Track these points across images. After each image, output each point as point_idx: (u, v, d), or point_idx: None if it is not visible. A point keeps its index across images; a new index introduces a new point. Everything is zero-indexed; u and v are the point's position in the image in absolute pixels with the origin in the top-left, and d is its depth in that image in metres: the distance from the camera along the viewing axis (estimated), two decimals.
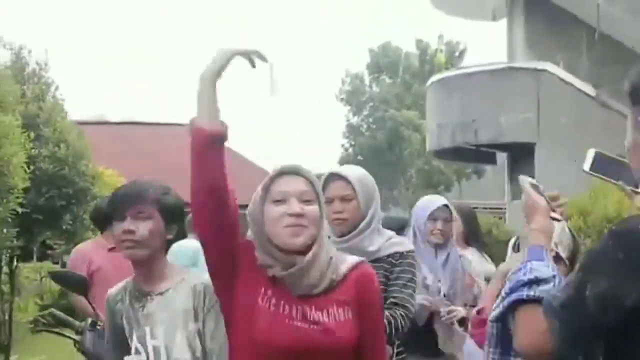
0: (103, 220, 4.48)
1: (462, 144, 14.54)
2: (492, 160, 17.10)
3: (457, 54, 38.43)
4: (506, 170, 15.87)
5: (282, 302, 2.11)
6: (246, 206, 2.28)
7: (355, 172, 3.05)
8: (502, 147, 14.72)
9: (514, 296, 1.74)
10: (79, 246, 4.90)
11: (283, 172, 2.26)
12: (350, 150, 38.72)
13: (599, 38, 14.47)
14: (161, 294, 2.47)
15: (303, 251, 2.12)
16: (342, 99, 39.32)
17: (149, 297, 2.48)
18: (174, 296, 2.44)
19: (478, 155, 16.29)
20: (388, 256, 2.97)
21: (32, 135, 5.30)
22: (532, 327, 1.69)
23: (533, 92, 13.56)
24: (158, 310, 2.45)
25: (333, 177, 2.99)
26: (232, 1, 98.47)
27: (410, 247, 3.09)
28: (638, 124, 1.83)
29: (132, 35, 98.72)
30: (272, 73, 3.30)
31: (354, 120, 39.13)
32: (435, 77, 16.21)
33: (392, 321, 2.79)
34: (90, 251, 4.63)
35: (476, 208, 13.85)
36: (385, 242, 3.00)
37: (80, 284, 3.75)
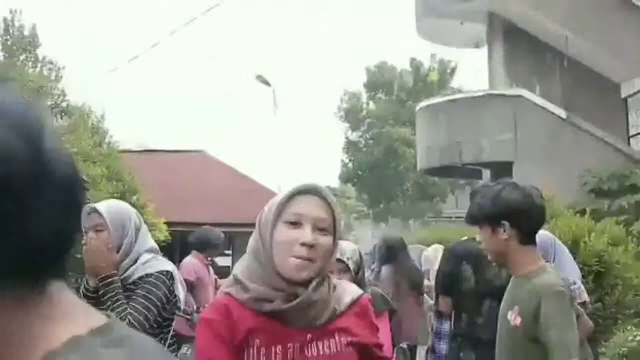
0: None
1: (448, 163, 16.13)
2: (478, 175, 18.63)
3: (448, 71, 40.10)
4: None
5: (273, 346, 1.91)
6: (250, 224, 2.27)
7: (107, 205, 3.20)
8: (484, 165, 16.30)
9: None
10: (185, 260, 6.67)
11: (302, 191, 2.00)
12: (350, 165, 40.17)
13: (570, 65, 15.97)
14: None
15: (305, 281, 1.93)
16: (340, 116, 40.84)
17: None
18: None
19: (465, 171, 17.87)
20: (136, 281, 3.02)
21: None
22: None
23: (510, 116, 15.09)
24: None
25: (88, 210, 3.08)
26: (232, 25, 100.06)
27: (162, 267, 3.11)
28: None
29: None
30: (275, 95, 4.65)
31: (353, 136, 40.59)
32: (423, 103, 17.82)
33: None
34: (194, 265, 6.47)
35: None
36: (141, 265, 3.07)
37: None
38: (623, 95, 16.86)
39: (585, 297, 4.69)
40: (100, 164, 6.34)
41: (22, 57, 10.37)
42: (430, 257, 7.34)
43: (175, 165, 16.54)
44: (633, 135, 17.00)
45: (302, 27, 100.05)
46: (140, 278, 3.00)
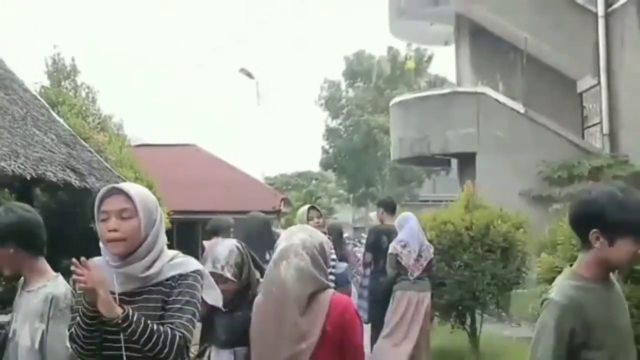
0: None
1: (418, 154, 17.66)
2: (447, 164, 20.21)
3: (425, 59, 41.45)
4: (457, 173, 19.03)
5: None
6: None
7: (137, 189, 2.81)
8: (451, 155, 17.86)
9: None
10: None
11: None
12: (330, 151, 41.61)
13: (530, 63, 17.43)
14: (29, 291, 3.12)
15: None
16: (321, 105, 42.16)
17: (23, 291, 3.16)
18: (34, 296, 3.06)
19: (435, 160, 19.42)
20: (168, 279, 2.73)
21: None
22: None
23: (474, 112, 16.59)
24: (22, 302, 3.12)
25: (111, 191, 2.76)
26: (214, 19, 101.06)
27: (194, 267, 2.83)
28: None
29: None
30: (258, 88, 6.01)
31: (333, 124, 41.97)
32: (396, 100, 19.32)
33: (166, 335, 2.62)
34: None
35: (446, 201, 16.98)
36: (167, 263, 2.78)
37: None
38: (579, 91, 18.43)
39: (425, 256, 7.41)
40: (130, 166, 7.75)
41: (65, 84, 11.86)
42: None
43: (170, 158, 17.88)
44: (587, 127, 18.60)
45: (282, 18, 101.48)
46: (174, 278, 2.74)
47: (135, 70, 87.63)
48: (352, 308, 2.99)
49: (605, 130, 16.76)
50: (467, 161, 17.30)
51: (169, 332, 2.60)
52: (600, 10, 16.72)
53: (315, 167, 46.39)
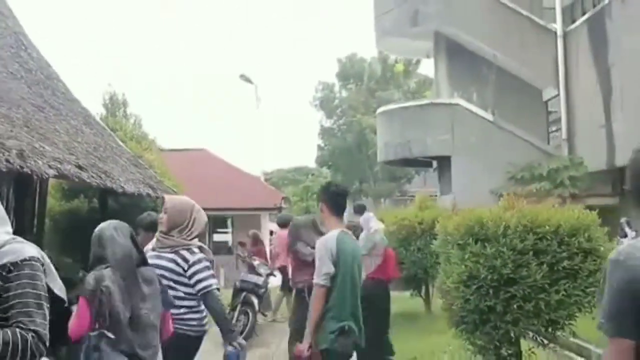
0: None
1: (401, 157, 20.04)
2: (429, 165, 22.59)
3: (414, 61, 43.65)
4: (437, 174, 21.46)
5: None
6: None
7: None
8: (429, 158, 20.25)
9: None
10: None
11: None
12: (325, 149, 43.81)
13: (500, 76, 19.68)
14: None
15: None
16: (315, 105, 44.42)
17: None
18: None
19: (417, 162, 21.80)
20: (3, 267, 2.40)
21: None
22: None
23: (449, 120, 18.90)
24: None
25: None
26: (211, 22, 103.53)
27: (29, 254, 2.50)
28: None
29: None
30: (257, 91, 8.29)
31: (327, 123, 44.22)
32: (381, 109, 21.67)
33: (15, 341, 2.30)
34: None
35: (431, 195, 19.39)
36: None
37: None
38: (544, 99, 20.80)
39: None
40: (168, 177, 10.11)
41: (118, 114, 14.33)
42: None
43: (183, 161, 20.23)
44: (552, 132, 20.98)
45: (277, 23, 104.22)
46: (4, 267, 2.43)
47: (136, 75, 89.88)
48: None
49: (564, 135, 19.13)
50: (444, 163, 19.69)
51: (19, 336, 2.33)
52: (559, 30, 19.08)
53: (312, 164, 48.63)
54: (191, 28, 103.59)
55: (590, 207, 19.04)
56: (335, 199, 5.30)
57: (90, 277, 3.97)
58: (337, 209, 5.31)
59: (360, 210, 10.44)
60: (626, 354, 2.24)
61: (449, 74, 21.28)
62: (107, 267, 3.99)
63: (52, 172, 5.31)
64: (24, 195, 7.66)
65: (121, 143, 9.88)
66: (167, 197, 5.02)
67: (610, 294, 2.30)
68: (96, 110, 12.90)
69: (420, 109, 19.79)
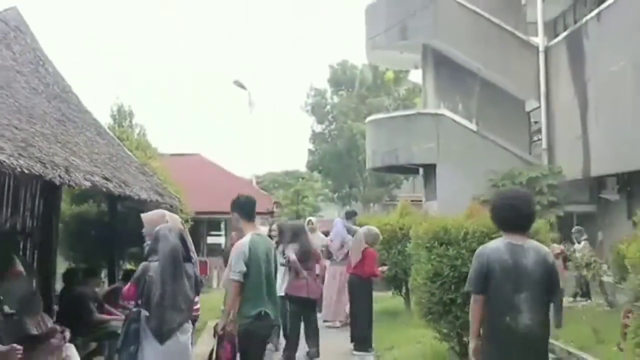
0: None
1: (388, 164, 20.95)
2: (416, 172, 23.49)
3: (404, 69, 44.54)
4: (422, 181, 22.36)
5: None
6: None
7: None
8: (415, 166, 21.16)
9: None
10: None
11: None
12: (316, 154, 44.43)
13: (484, 88, 20.56)
14: None
15: None
16: (307, 111, 45.15)
17: None
18: None
19: (404, 169, 22.70)
20: None
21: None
22: None
23: (434, 129, 19.81)
24: None
25: None
26: (205, 27, 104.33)
27: None
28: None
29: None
30: (250, 97, 9.27)
31: (318, 128, 44.94)
32: (370, 118, 22.60)
33: None
34: None
35: (419, 200, 20.23)
36: None
37: None
38: (527, 110, 21.73)
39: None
40: (170, 182, 10.98)
41: (124, 125, 15.24)
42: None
43: (178, 166, 21.05)
44: (534, 142, 21.92)
45: (271, 30, 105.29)
46: None
47: (132, 79, 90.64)
48: None
49: (545, 145, 20.09)
50: (429, 170, 20.59)
51: None
52: (541, 45, 20.05)
53: (303, 168, 49.36)
54: (185, 32, 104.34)
55: (569, 214, 20.07)
56: (245, 208, 6.18)
57: (141, 266, 5.28)
58: (249, 216, 6.19)
59: (350, 215, 11.74)
60: (480, 302, 4.53)
61: (435, 85, 22.16)
62: (156, 260, 5.15)
63: (87, 184, 6.15)
64: (48, 202, 8.47)
65: (129, 152, 10.72)
66: (142, 215, 5.87)
67: (472, 270, 4.54)
68: (103, 120, 13.83)
69: (406, 119, 20.71)
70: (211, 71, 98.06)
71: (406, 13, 20.56)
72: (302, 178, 52.93)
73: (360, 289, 9.69)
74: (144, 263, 5.24)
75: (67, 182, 5.78)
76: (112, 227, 9.74)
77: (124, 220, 9.78)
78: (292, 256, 9.00)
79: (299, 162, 67.86)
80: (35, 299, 6.81)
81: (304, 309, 9.06)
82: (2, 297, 6.17)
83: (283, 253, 9.18)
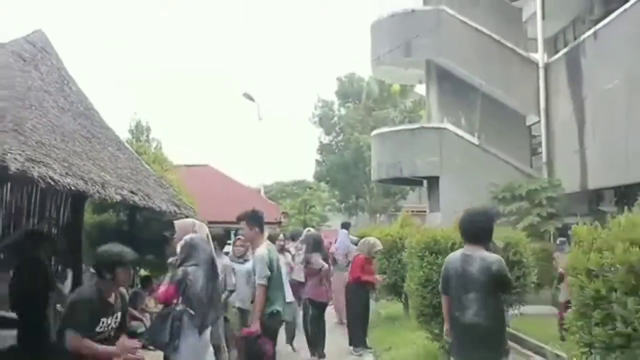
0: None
1: (393, 176, 21.61)
2: (420, 183, 24.15)
3: None
4: (426, 192, 23.01)
5: None
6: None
7: None
8: (419, 178, 21.82)
9: None
10: None
11: None
12: (324, 165, 45.29)
13: (486, 103, 21.22)
14: None
15: None
16: (314, 122, 45.95)
17: None
18: None
19: (408, 181, 23.37)
20: None
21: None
22: None
23: (437, 143, 20.49)
24: None
25: None
26: (214, 39, 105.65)
27: None
28: None
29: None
30: (259, 110, 10.18)
31: (326, 140, 45.75)
32: (375, 132, 23.34)
33: None
34: None
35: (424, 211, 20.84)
36: None
37: None
38: (527, 124, 22.36)
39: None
40: (185, 193, 11.69)
41: (142, 139, 16.01)
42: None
43: (188, 177, 21.77)
44: (534, 155, 22.52)
45: (281, 43, 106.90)
46: None
47: (142, 92, 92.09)
48: None
49: (544, 159, 20.68)
50: (432, 183, 21.23)
51: None
52: (541, 62, 20.69)
53: (310, 178, 50.08)
54: (195, 46, 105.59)
55: (567, 226, 20.57)
56: (261, 222, 7.15)
57: (180, 270, 6.10)
58: (262, 228, 7.17)
59: (345, 226, 12.71)
60: (446, 300, 5.75)
61: (439, 100, 22.81)
62: (192, 265, 5.96)
63: (119, 197, 6.86)
64: (75, 212, 9.16)
65: (147, 166, 11.40)
66: (175, 222, 6.78)
67: (441, 276, 5.73)
68: (121, 135, 14.59)
69: (411, 133, 21.40)
70: (221, 84, 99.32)
71: (410, 30, 21.28)
72: (310, 188, 53.65)
73: (353, 293, 10.72)
74: (182, 268, 6.03)
75: (104, 196, 6.48)
76: (131, 236, 10.40)
77: (140, 229, 10.50)
78: (325, 265, 10.16)
79: (306, 172, 68.88)
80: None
81: (322, 313, 10.25)
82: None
83: (307, 262, 10.24)
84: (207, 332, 6.19)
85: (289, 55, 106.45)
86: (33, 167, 5.39)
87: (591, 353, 3.52)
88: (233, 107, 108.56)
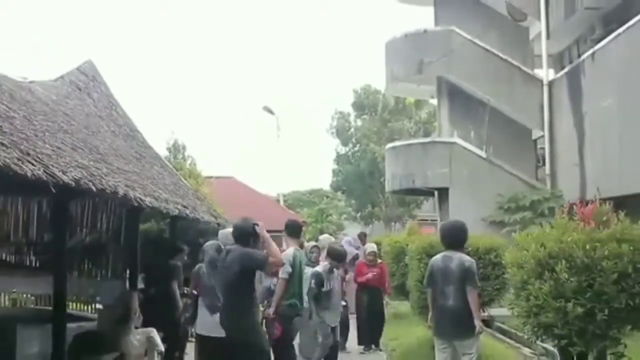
0: None
1: (405, 187, 22.97)
2: (431, 194, 25.48)
3: None
4: (436, 203, 24.34)
5: None
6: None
7: None
8: (430, 189, 23.16)
9: None
10: None
11: None
12: (340, 175, 46.39)
13: (494, 118, 22.43)
14: None
15: None
16: (332, 133, 47.18)
17: None
18: None
19: (420, 191, 24.72)
20: None
21: None
22: None
23: (447, 156, 21.80)
24: None
25: None
26: (234, 54, 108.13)
27: None
28: None
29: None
30: (278, 121, 11.75)
31: (342, 150, 46.99)
32: (389, 145, 24.78)
33: None
34: None
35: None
36: None
37: None
38: (533, 138, 23.61)
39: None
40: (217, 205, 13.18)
41: (179, 157, 17.56)
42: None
43: (213, 188, 23.22)
44: (539, 167, 23.73)
45: (298, 58, 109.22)
46: None
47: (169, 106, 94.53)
48: None
49: (548, 171, 21.90)
50: (442, 193, 22.57)
51: None
52: (545, 79, 21.96)
53: (326, 187, 51.27)
54: (215, 60, 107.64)
55: None
56: (293, 229, 9.05)
57: (197, 267, 8.23)
58: (294, 235, 9.05)
59: (362, 236, 14.28)
60: (430, 293, 7.40)
61: (449, 114, 24.13)
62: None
63: (176, 211, 8.31)
64: (130, 223, 10.50)
65: (184, 181, 12.84)
66: (220, 231, 8.48)
67: (427, 273, 7.41)
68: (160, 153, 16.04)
69: (422, 146, 22.79)
70: (242, 97, 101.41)
71: (422, 49, 22.67)
72: (327, 197, 54.81)
73: (358, 297, 12.66)
74: (199, 265, 8.36)
75: (166, 211, 7.92)
76: (172, 242, 11.76)
77: (181, 235, 11.91)
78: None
79: (323, 181, 70.44)
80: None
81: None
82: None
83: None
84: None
85: (307, 69, 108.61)
86: (128, 191, 6.82)
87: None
88: (252, 119, 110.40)
